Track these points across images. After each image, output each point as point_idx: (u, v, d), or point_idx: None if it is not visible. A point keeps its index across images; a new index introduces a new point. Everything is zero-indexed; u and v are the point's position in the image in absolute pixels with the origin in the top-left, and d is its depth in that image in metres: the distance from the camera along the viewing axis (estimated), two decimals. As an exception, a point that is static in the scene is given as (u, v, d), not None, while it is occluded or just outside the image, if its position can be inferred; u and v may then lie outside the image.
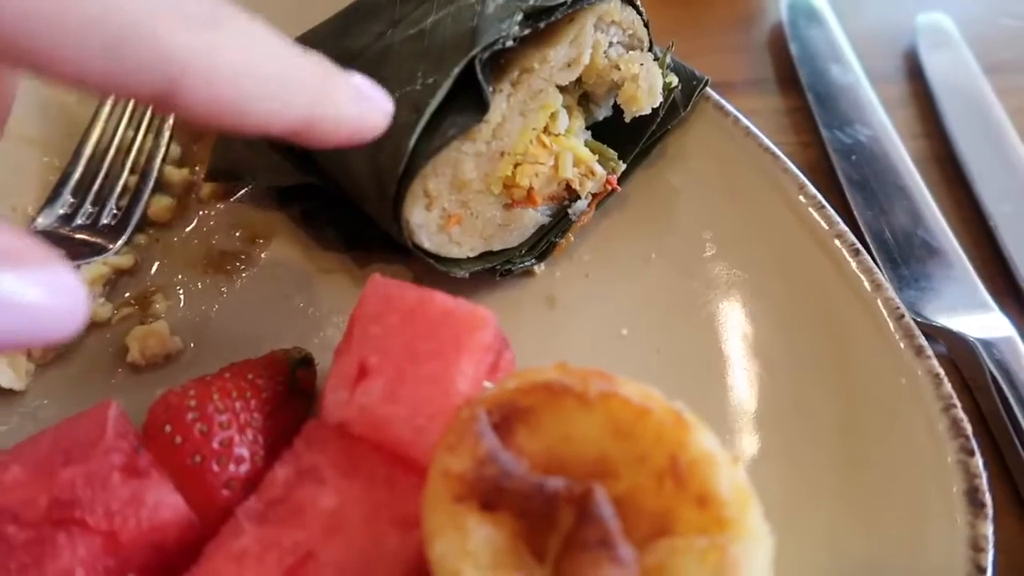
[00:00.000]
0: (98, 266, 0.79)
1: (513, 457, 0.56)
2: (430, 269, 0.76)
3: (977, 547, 0.58)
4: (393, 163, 0.69)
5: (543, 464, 0.56)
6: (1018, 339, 0.82)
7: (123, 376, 0.75)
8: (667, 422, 0.56)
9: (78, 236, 0.81)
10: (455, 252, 0.75)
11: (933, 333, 0.83)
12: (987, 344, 0.81)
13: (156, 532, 0.55)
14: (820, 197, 0.81)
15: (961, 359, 0.83)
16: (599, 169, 0.81)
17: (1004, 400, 0.78)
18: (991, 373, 0.79)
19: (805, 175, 0.82)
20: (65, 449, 0.57)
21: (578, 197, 0.81)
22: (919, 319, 0.83)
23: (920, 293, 0.87)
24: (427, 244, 0.73)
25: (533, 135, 0.76)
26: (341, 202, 0.80)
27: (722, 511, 0.52)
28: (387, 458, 0.60)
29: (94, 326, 0.78)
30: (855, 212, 0.93)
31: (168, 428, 0.59)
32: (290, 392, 0.69)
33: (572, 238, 0.83)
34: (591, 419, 0.57)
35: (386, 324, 0.65)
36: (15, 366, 0.73)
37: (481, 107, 0.72)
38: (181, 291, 0.81)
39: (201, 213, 0.86)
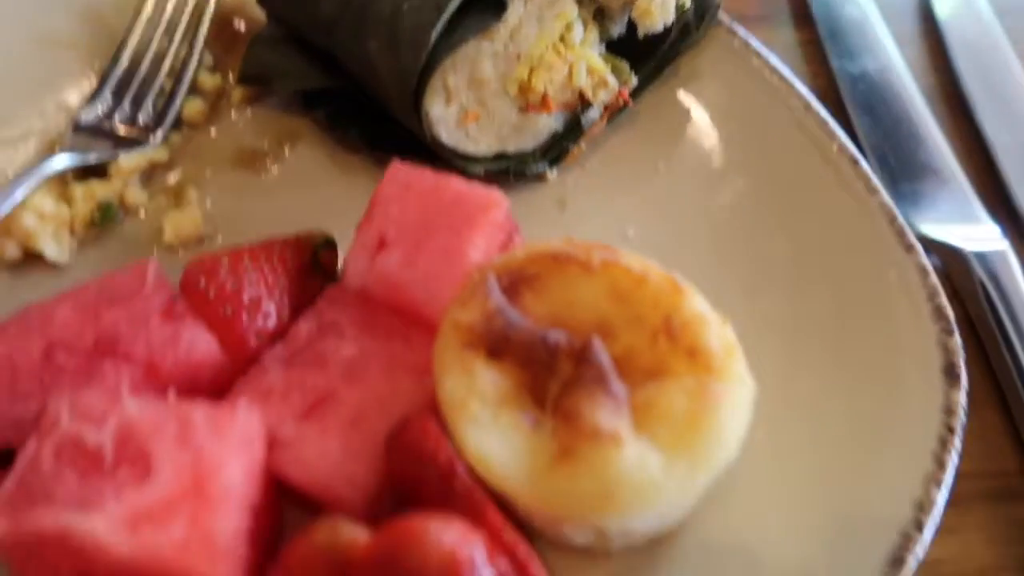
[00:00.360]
0: (135, 157, 0.84)
1: (519, 313, 0.60)
2: (447, 167, 0.80)
3: (949, 411, 0.63)
4: (414, 57, 0.74)
5: (546, 326, 0.61)
6: (1010, 252, 0.85)
7: (158, 257, 0.80)
8: (664, 288, 0.61)
9: (117, 131, 0.86)
10: (471, 149, 0.80)
11: (928, 247, 0.86)
12: (980, 256, 0.85)
13: (191, 368, 0.60)
14: (824, 113, 0.85)
15: (954, 272, 0.86)
16: (612, 80, 0.85)
17: (993, 309, 0.82)
18: (981, 283, 0.83)
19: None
20: (109, 295, 0.62)
21: (591, 106, 0.85)
22: (916, 233, 0.86)
23: (917, 209, 0.90)
24: (445, 138, 0.77)
25: (549, 42, 0.80)
26: (365, 105, 0.85)
27: (710, 360, 0.57)
28: (403, 318, 0.65)
29: (131, 211, 0.83)
30: (859, 135, 0.96)
31: (202, 282, 0.64)
32: (313, 269, 0.73)
33: (584, 147, 0.87)
34: (593, 285, 0.62)
35: (405, 203, 0.70)
36: (59, 239, 0.78)
37: (499, 8, 0.76)
38: (212, 185, 0.85)
39: (232, 116, 0.91)
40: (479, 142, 0.80)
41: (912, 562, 0.58)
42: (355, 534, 0.51)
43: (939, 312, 0.69)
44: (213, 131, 0.90)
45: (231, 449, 0.52)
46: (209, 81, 0.92)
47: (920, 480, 0.61)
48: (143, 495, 0.49)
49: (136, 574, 0.48)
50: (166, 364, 0.59)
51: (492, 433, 0.55)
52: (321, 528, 0.51)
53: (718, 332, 0.59)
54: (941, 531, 0.61)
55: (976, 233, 0.87)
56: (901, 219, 0.76)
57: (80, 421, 0.51)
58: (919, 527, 0.59)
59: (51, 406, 0.52)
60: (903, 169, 0.93)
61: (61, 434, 0.51)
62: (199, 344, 0.60)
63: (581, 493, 0.52)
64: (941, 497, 0.61)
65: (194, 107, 0.90)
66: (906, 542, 0.58)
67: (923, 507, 0.60)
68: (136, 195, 0.83)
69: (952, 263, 0.86)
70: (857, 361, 0.68)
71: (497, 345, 0.59)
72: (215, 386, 0.61)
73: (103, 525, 0.48)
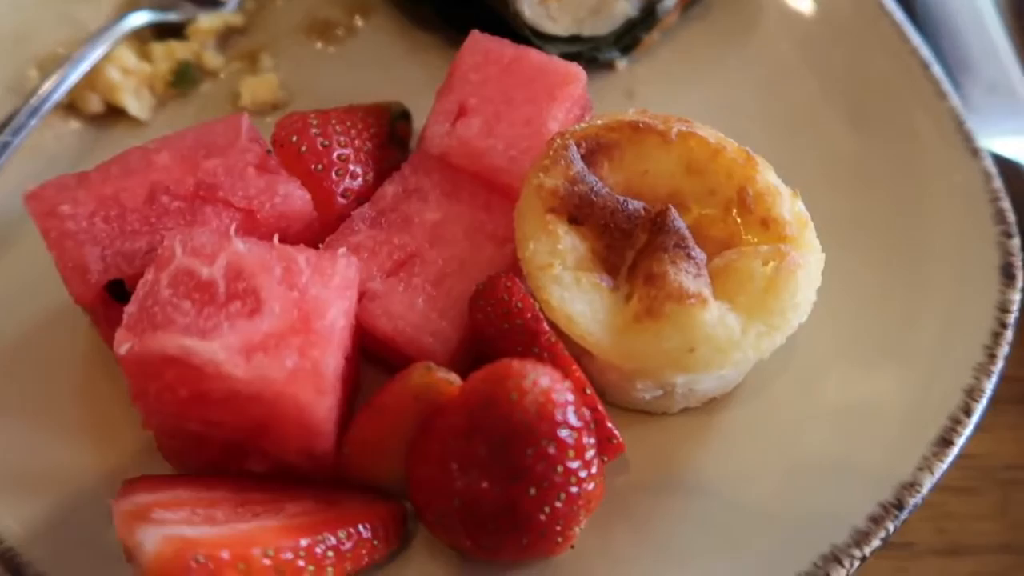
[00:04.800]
0: (211, 18, 0.85)
1: (599, 180, 0.62)
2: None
3: (1004, 309, 0.66)
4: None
5: (621, 194, 0.63)
6: (1069, 167, 0.86)
7: (236, 119, 0.81)
8: (738, 160, 0.63)
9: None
10: (549, 28, 0.80)
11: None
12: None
13: (285, 219, 0.63)
14: (899, 15, 0.85)
15: (1010, 185, 0.87)
16: (690, -32, 0.84)
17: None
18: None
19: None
20: (206, 144, 0.64)
21: (667, -6, 0.85)
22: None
23: (979, 121, 0.90)
24: (527, 13, 0.78)
25: (634, -77, 0.79)
26: (441, -21, 0.85)
27: (783, 230, 0.59)
28: (484, 184, 0.68)
29: (207, 74, 0.84)
30: (927, 43, 0.96)
31: (295, 138, 0.66)
32: (390, 139, 0.75)
33: (657, 36, 0.87)
34: (669, 156, 0.63)
35: (485, 73, 0.71)
36: (140, 96, 0.80)
37: None
38: (285, 53, 0.86)
39: (305, -16, 0.91)
40: (557, 22, 0.81)
41: (958, 445, 0.62)
42: (449, 377, 0.55)
43: (1000, 215, 0.71)
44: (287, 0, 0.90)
45: (333, 292, 0.55)
46: (283, -53, 0.92)
47: (971, 370, 0.64)
48: (255, 327, 0.52)
49: (248, 398, 0.52)
50: (262, 213, 0.62)
51: (575, 292, 0.58)
52: (416, 369, 0.55)
53: (790, 204, 0.61)
54: (976, 428, 0.64)
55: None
56: (968, 125, 0.77)
57: (193, 256, 0.54)
58: (967, 412, 0.63)
59: (167, 241, 0.55)
60: (967, 80, 0.93)
61: (176, 267, 0.54)
62: (293, 197, 0.63)
63: (665, 349, 0.56)
64: (989, 386, 0.64)
65: (268, -28, 0.90)
66: (955, 425, 0.62)
67: (973, 394, 0.63)
68: (212, 58, 0.84)
69: (1010, 176, 0.88)
70: (918, 254, 0.71)
71: (579, 211, 0.61)
72: (304, 240, 0.64)
73: (221, 350, 0.51)
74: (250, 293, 0.54)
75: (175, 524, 0.49)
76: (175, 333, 0.51)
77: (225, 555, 0.47)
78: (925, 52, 0.83)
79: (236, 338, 0.52)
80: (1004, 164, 0.87)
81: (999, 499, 0.72)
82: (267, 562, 0.48)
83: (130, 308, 0.53)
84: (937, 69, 0.81)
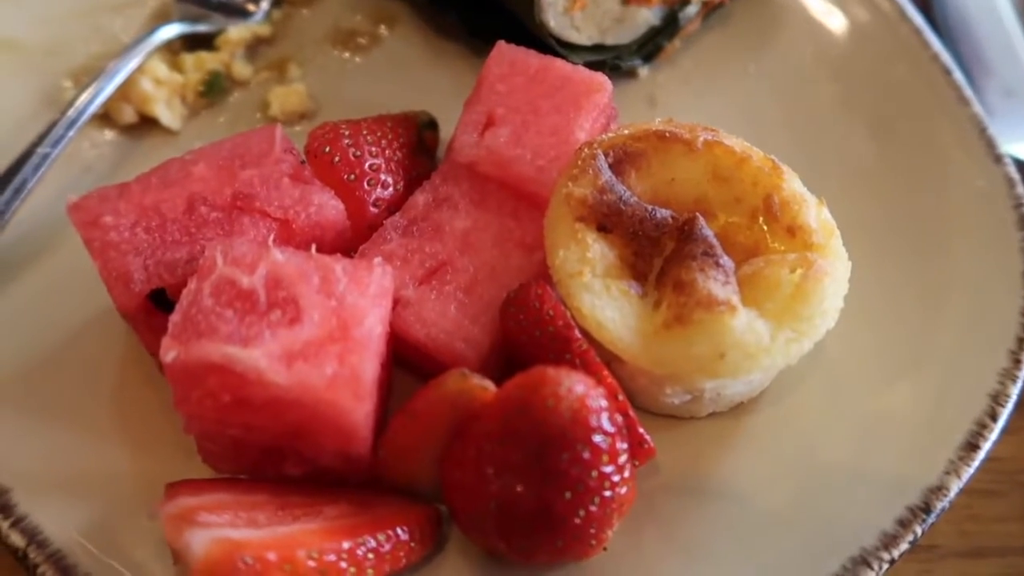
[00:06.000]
0: (241, 29, 0.86)
1: (627, 189, 0.63)
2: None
3: (1029, 314, 0.66)
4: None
5: (649, 203, 0.64)
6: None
7: (264, 128, 0.83)
8: (764, 168, 0.64)
9: (223, 1, 0.88)
10: (573, 37, 0.81)
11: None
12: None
13: (320, 229, 0.64)
14: (920, 21, 0.86)
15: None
16: (712, -24, 0.85)
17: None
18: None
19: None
20: (241, 155, 0.65)
21: (689, 2, 0.86)
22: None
23: (999, 126, 0.91)
24: (552, 23, 0.79)
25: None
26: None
27: (810, 237, 0.60)
28: (512, 193, 0.69)
29: (237, 84, 0.85)
30: (947, 48, 0.96)
31: (327, 149, 0.67)
32: (418, 148, 0.76)
33: (678, 44, 0.88)
34: (695, 164, 0.64)
35: (512, 83, 0.72)
36: (172, 106, 0.81)
37: None
38: (313, 63, 0.88)
39: (332, -5, 0.92)
40: (581, 31, 0.82)
41: (984, 449, 0.63)
42: (484, 383, 0.56)
43: (1023, 221, 0.72)
44: (313, 9, 0.91)
45: (369, 300, 0.56)
46: (310, -43, 0.93)
47: (996, 375, 0.65)
48: (295, 335, 0.54)
49: (288, 404, 0.53)
50: (298, 223, 0.63)
51: (605, 300, 0.59)
52: (451, 376, 0.56)
53: (816, 211, 0.62)
54: (1001, 432, 0.65)
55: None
56: (991, 131, 0.78)
57: (234, 266, 0.55)
58: (993, 417, 0.63)
59: (208, 251, 0.56)
60: (988, 85, 0.94)
61: (218, 276, 0.55)
62: (327, 207, 0.64)
63: (695, 355, 0.57)
64: (1015, 391, 0.64)
65: (295, -17, 0.91)
66: (981, 429, 0.63)
67: (998, 399, 0.64)
68: (241, 68, 0.85)
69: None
70: (942, 260, 0.72)
71: (607, 219, 0.62)
72: (338, 249, 0.65)
73: (263, 358, 0.52)
74: (290, 302, 0.55)
75: (221, 527, 0.50)
76: (218, 341, 0.53)
77: (272, 557, 0.48)
78: (946, 58, 0.83)
79: (277, 346, 0.53)
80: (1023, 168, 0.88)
81: (1023, 502, 0.73)
82: (312, 564, 0.49)
83: (175, 317, 0.54)
84: (958, 75, 0.82)
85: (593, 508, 0.53)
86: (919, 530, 0.59)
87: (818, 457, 0.64)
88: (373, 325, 0.56)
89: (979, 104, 0.92)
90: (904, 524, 0.59)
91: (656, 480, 0.63)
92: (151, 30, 0.82)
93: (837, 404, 0.66)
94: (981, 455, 0.63)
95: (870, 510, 0.60)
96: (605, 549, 0.57)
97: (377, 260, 0.59)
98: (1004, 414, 0.64)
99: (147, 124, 0.81)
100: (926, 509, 0.59)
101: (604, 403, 0.52)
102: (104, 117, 0.81)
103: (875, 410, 0.65)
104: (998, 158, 0.76)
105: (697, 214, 0.61)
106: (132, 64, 0.79)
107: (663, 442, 0.62)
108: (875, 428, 0.65)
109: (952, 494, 0.60)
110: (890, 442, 0.64)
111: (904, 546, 0.58)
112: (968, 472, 0.61)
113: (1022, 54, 0.97)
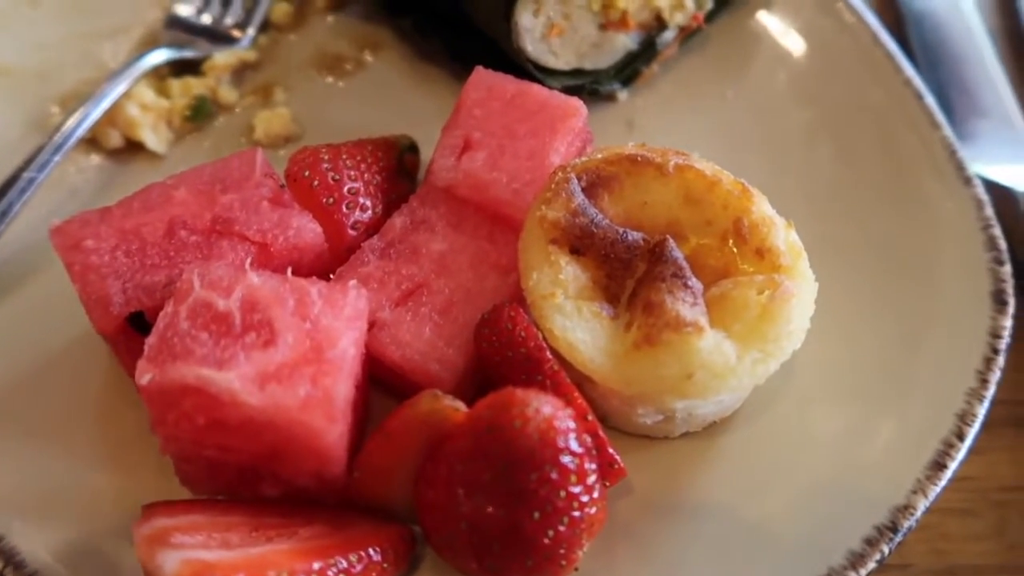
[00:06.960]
0: (226, 55, 0.88)
1: (599, 212, 0.65)
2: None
3: (996, 335, 0.68)
4: (510, -34, 0.76)
5: (622, 226, 0.65)
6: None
7: (249, 152, 0.84)
8: (734, 191, 0.65)
9: (209, 28, 0.89)
10: (552, 62, 0.83)
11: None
12: (1031, 196, 0.87)
13: (298, 252, 0.65)
14: (892, 47, 0.87)
15: (1004, 212, 0.89)
16: (689, 2, 0.87)
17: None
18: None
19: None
20: (222, 180, 0.67)
21: (666, 27, 0.88)
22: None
23: (974, 148, 0.92)
24: (530, 49, 0.81)
25: (633, -39, 0.82)
26: (449, 16, 0.87)
27: (778, 259, 0.61)
28: (488, 216, 0.70)
29: (223, 108, 0.87)
30: (922, 72, 0.98)
31: (307, 173, 0.69)
32: (398, 171, 0.78)
33: (656, 68, 0.90)
34: (666, 188, 0.66)
35: (488, 108, 0.74)
36: (158, 131, 0.83)
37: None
38: (298, 87, 0.89)
39: (316, 20, 0.94)
40: (559, 57, 0.83)
41: (951, 468, 0.64)
42: (455, 404, 0.57)
43: (992, 242, 0.73)
44: (299, 35, 0.93)
45: (344, 322, 0.57)
46: (296, -16, 0.95)
47: (964, 394, 0.66)
48: (270, 357, 0.55)
49: (262, 425, 0.54)
50: (276, 247, 0.64)
51: (577, 321, 0.60)
52: (424, 396, 0.57)
53: (784, 234, 0.63)
54: (971, 451, 0.66)
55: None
56: (961, 154, 0.80)
57: (210, 289, 0.57)
58: (960, 436, 0.64)
59: (185, 275, 0.57)
60: (963, 109, 0.95)
61: (194, 300, 0.56)
62: (305, 230, 0.65)
63: (664, 375, 0.58)
64: (982, 411, 0.65)
65: (281, 9, 0.93)
66: (948, 449, 0.64)
67: (965, 418, 0.65)
68: (227, 93, 0.87)
69: (1003, 202, 0.89)
70: (911, 281, 0.73)
71: (580, 241, 0.63)
72: (316, 271, 0.66)
73: (237, 380, 0.53)
74: (265, 324, 0.56)
75: (193, 548, 0.51)
76: (193, 364, 0.54)
77: (241, 577, 0.49)
78: (918, 83, 0.85)
79: (251, 368, 0.54)
80: (997, 190, 0.89)
81: (996, 520, 0.74)
82: (281, 584, 0.50)
83: (151, 340, 0.55)
84: (930, 99, 0.83)
85: (562, 528, 0.53)
86: (886, 549, 0.60)
87: (789, 477, 0.65)
88: (347, 347, 0.57)
89: (956, 127, 0.94)
90: (871, 543, 0.60)
91: (629, 500, 0.64)
92: (139, 56, 0.84)
93: (806, 425, 0.67)
94: (948, 474, 0.64)
95: (838, 529, 0.61)
96: (576, 569, 0.57)
97: (352, 283, 0.60)
98: (971, 434, 0.65)
99: (133, 148, 0.83)
100: (893, 528, 0.60)
101: (572, 424, 0.53)
102: (91, 141, 0.82)
103: (843, 430, 0.66)
104: (968, 180, 0.77)
105: (667, 236, 0.62)
106: (119, 89, 0.80)
107: (636, 462, 0.63)
108: (843, 448, 0.66)
109: (919, 513, 0.61)
110: (859, 462, 0.65)
111: (871, 565, 0.59)
112: (935, 491, 0.62)
113: (997, 77, 0.99)
